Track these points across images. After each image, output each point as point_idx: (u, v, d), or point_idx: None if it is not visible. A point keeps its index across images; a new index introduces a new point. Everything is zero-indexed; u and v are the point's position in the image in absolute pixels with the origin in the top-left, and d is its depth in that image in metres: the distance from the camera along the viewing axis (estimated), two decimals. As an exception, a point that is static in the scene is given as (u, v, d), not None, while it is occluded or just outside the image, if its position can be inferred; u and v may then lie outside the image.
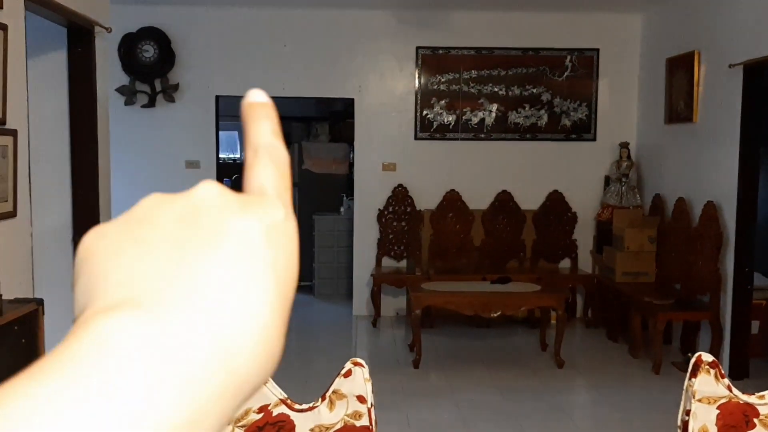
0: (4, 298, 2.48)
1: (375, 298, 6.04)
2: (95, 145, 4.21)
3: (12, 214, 3.17)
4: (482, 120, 6.29)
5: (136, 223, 0.30)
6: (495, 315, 4.83)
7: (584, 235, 6.27)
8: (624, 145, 6.09)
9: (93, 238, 0.30)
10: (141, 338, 0.26)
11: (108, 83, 4.64)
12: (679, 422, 1.62)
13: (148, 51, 6.00)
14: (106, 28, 4.28)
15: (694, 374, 1.62)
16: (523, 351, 5.33)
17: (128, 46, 5.98)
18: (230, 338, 0.27)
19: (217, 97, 6.25)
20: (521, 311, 5.20)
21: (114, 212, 4.59)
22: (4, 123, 3.09)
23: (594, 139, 6.34)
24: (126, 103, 6.04)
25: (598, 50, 6.28)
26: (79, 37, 4.12)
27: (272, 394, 1.49)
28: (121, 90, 6.00)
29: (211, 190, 0.30)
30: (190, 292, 0.27)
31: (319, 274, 7.21)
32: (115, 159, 4.98)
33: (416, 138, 6.28)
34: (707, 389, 1.60)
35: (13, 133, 3.16)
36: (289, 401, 1.50)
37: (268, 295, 0.29)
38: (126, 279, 0.28)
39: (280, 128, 0.34)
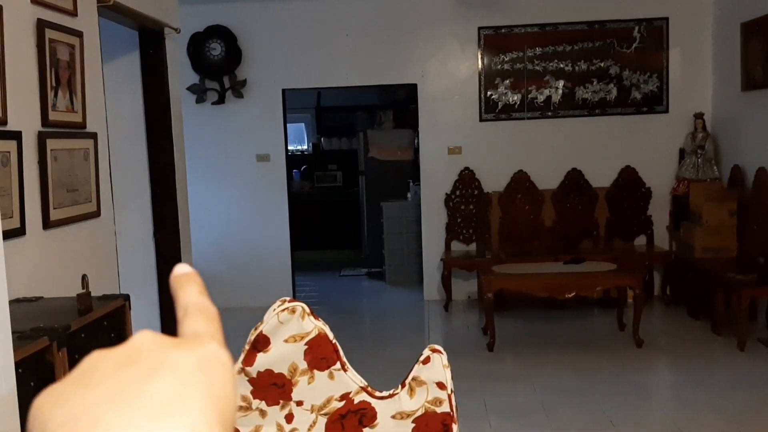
0: (93, 294, 2.60)
1: (446, 282, 6.04)
2: (171, 143, 4.35)
3: (96, 214, 3.31)
4: (548, 98, 6.18)
5: (80, 375, 0.33)
6: (569, 296, 4.76)
7: (660, 211, 6.09)
8: (698, 116, 5.88)
9: (42, 397, 0.33)
10: None
11: (179, 83, 4.78)
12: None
13: (216, 49, 6.15)
14: (175, 29, 4.40)
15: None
16: (599, 332, 5.24)
17: (196, 46, 6.14)
18: None
19: (284, 91, 6.35)
20: (596, 291, 5.10)
21: (191, 207, 4.74)
22: (84, 127, 3.22)
23: (666, 111, 6.14)
24: (197, 101, 6.21)
25: (667, 19, 6.06)
26: (151, 39, 4.25)
27: (353, 382, 1.52)
28: (192, 88, 6.17)
29: (146, 336, 0.35)
30: (129, 416, 0.30)
31: (389, 260, 7.25)
32: (190, 156, 5.13)
33: (481, 120, 6.23)
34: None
35: (94, 136, 3.30)
36: (369, 389, 1.53)
37: (205, 414, 0.31)
38: (69, 417, 0.30)
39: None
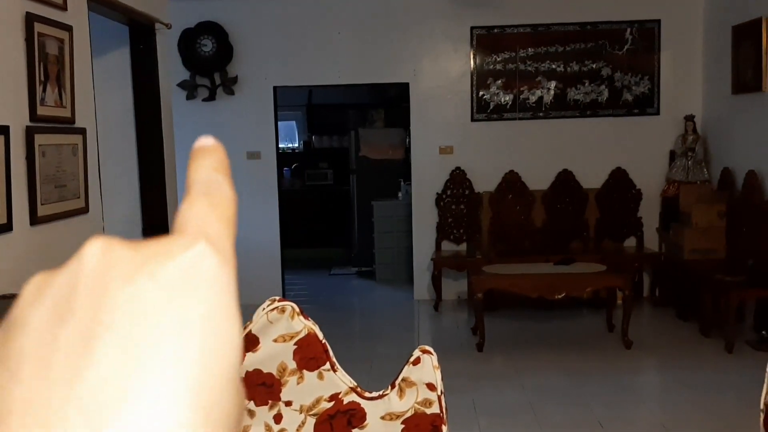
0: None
1: (436, 282, 6.03)
2: (160, 139, 4.32)
3: (84, 210, 3.28)
4: (540, 98, 6.18)
5: (8, 332, 0.22)
6: (559, 297, 4.77)
7: (649, 213, 6.11)
8: (689, 118, 5.90)
9: None
10: None
11: (170, 79, 4.75)
12: (762, 404, 1.57)
13: (207, 45, 6.12)
14: (166, 25, 4.37)
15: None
16: (589, 332, 5.25)
17: (187, 42, 6.10)
18: None
19: (275, 88, 6.32)
20: (586, 292, 5.12)
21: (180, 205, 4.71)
22: (73, 122, 3.19)
23: (657, 113, 6.15)
24: (188, 98, 6.17)
25: (659, 21, 6.08)
26: (141, 34, 4.22)
27: (342, 382, 1.51)
28: (182, 85, 6.13)
29: (92, 253, 0.23)
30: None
31: (379, 259, 7.24)
32: (180, 152, 5.10)
33: (473, 120, 6.23)
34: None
35: (82, 131, 3.27)
36: (359, 389, 1.52)
37: (179, 392, 0.21)
38: None
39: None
